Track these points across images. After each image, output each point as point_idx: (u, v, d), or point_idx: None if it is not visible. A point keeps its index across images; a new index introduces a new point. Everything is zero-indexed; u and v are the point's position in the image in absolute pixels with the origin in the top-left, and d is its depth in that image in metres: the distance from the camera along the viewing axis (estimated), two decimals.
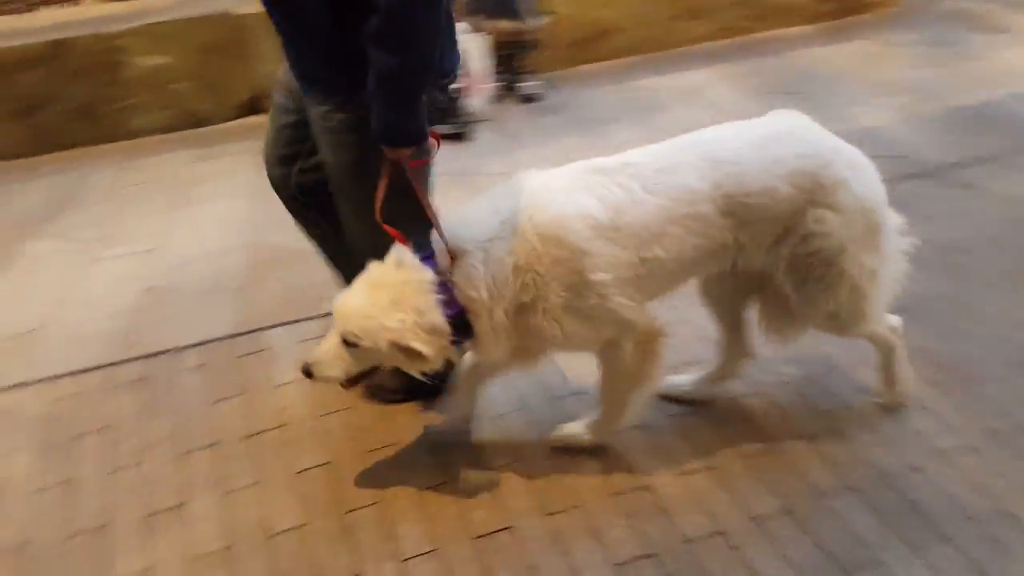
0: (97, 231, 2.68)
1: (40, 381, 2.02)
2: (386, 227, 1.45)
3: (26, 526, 1.63)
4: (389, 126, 1.42)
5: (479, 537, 1.52)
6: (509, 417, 1.82)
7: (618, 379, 1.61)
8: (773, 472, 1.62)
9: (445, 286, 1.41)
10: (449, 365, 1.54)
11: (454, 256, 1.43)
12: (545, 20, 3.39)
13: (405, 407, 1.85)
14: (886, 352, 1.73)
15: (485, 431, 1.78)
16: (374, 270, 1.44)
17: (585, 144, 2.92)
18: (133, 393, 1.95)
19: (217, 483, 1.69)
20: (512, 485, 1.64)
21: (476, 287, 1.42)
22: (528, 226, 1.43)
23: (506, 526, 1.54)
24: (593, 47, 3.73)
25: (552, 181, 1.50)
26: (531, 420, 1.81)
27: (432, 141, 1.51)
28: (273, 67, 3.30)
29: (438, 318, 1.40)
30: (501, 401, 1.85)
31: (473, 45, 3.13)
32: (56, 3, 3.38)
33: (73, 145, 3.22)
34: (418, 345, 1.38)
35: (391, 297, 1.39)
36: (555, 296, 1.44)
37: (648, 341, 1.57)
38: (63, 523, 1.62)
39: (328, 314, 1.50)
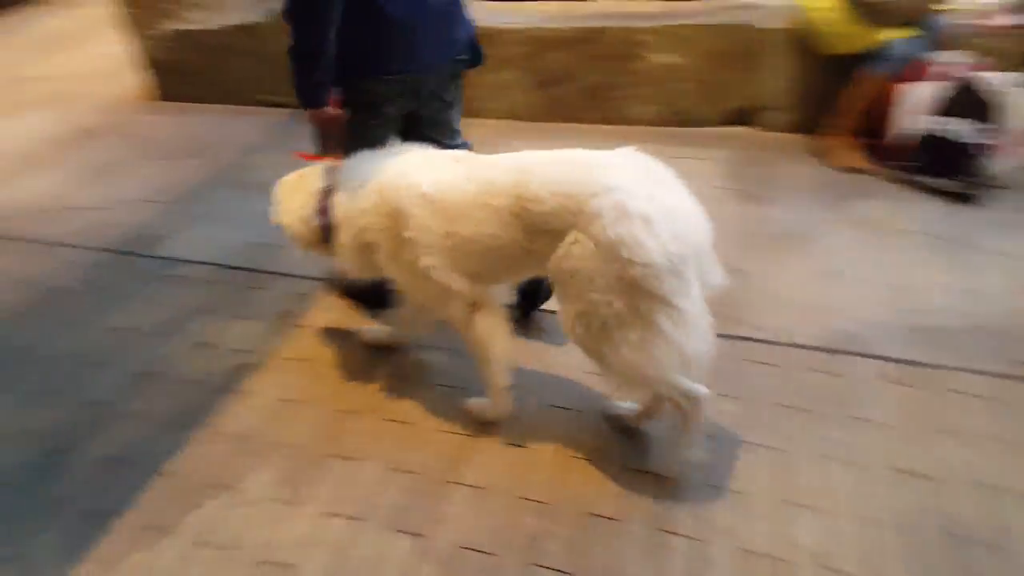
0: None
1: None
2: (304, 155, 1.99)
3: None
4: (295, 90, 1.86)
5: None
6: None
7: (471, 351, 1.95)
8: None
9: (325, 202, 1.89)
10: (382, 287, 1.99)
11: (337, 186, 1.88)
12: None
13: None
14: (671, 412, 1.80)
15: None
16: (295, 178, 2.00)
17: None
18: None
19: None
20: None
21: (337, 211, 1.87)
22: (378, 184, 1.81)
23: None
24: None
25: (417, 157, 1.84)
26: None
27: (328, 111, 1.88)
28: (774, 83, 3.29)
29: (310, 214, 1.91)
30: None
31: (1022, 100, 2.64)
32: None
33: (577, 120, 3.65)
34: (291, 225, 1.96)
35: (293, 194, 1.97)
36: (385, 243, 1.83)
37: (473, 313, 1.88)
38: None
39: None
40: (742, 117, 3.44)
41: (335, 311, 2.52)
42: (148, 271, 2.82)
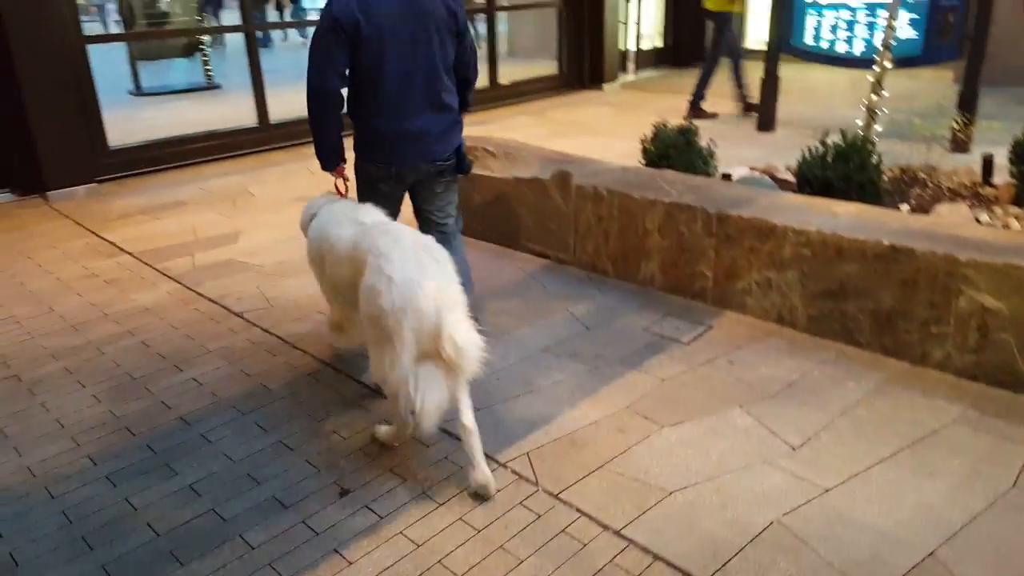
0: None
1: None
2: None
3: None
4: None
5: None
6: None
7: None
8: None
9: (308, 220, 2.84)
10: None
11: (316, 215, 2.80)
12: None
13: None
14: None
15: None
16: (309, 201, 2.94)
17: None
18: None
19: None
20: None
21: (310, 229, 2.80)
22: (321, 224, 2.71)
23: None
24: None
25: (353, 214, 2.65)
26: None
27: (338, 174, 2.94)
28: None
29: (304, 224, 2.86)
30: None
31: None
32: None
33: (857, 344, 3.07)
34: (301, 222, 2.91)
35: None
36: (319, 259, 2.72)
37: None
38: None
39: None
40: None
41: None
42: (346, 394, 2.84)
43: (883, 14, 5.94)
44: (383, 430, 2.53)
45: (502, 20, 15.67)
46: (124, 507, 2.27)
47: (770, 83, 6.84)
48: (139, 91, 10.12)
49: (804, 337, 3.19)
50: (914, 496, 2.24)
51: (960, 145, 5.46)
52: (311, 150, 2.91)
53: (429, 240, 2.41)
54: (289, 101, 5.82)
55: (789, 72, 7.12)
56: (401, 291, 2.18)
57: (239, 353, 3.16)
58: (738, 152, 6.02)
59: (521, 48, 12.17)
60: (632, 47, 10.90)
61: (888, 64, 4.67)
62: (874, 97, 4.73)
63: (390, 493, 2.29)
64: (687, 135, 4.58)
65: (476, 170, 4.34)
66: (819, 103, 7.74)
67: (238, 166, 6.25)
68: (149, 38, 10.84)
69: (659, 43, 11.50)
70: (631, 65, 10.78)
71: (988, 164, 4.58)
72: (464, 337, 2.20)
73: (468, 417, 2.28)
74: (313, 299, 3.61)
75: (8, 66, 5.18)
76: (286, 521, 2.18)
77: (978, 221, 4.16)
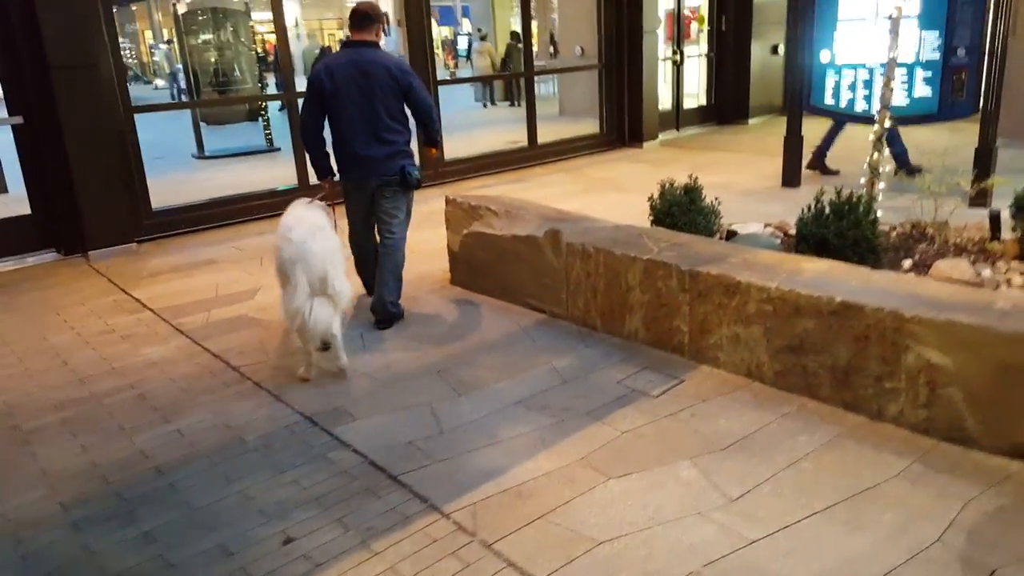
0: None
1: None
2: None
3: None
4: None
5: None
6: None
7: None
8: None
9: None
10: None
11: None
12: None
13: None
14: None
15: None
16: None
17: None
18: None
19: None
20: None
21: None
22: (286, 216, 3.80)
23: None
24: None
25: (303, 212, 3.80)
26: None
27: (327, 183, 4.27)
28: None
29: None
30: None
31: None
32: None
33: (819, 398, 3.11)
34: None
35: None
36: None
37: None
38: None
39: None
40: None
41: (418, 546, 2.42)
42: (315, 446, 3.02)
43: (898, 73, 6.01)
44: (300, 370, 3.60)
45: (551, 82, 16.34)
46: (80, 552, 2.47)
47: (793, 141, 6.92)
48: (202, 154, 10.95)
49: (770, 391, 3.26)
50: (836, 550, 2.28)
51: (978, 200, 5.40)
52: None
53: (323, 222, 3.72)
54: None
55: (822, 129, 7.17)
56: (297, 247, 3.39)
57: (226, 405, 3.41)
58: (759, 208, 6.11)
59: (571, 108, 12.57)
60: (675, 106, 11.12)
61: (887, 123, 4.72)
62: (875, 155, 4.76)
63: (332, 542, 2.45)
64: (691, 193, 4.73)
65: (479, 228, 4.62)
66: (847, 159, 7.74)
67: (274, 225, 6.69)
68: (192, 107, 11.67)
69: (703, 101, 11.69)
70: (674, 123, 10.99)
71: (995, 220, 4.54)
72: (339, 284, 3.49)
73: (341, 354, 3.62)
74: None
75: (57, 133, 5.67)
76: (227, 568, 2.36)
77: (980, 277, 4.13)
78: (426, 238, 5.44)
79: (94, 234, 5.90)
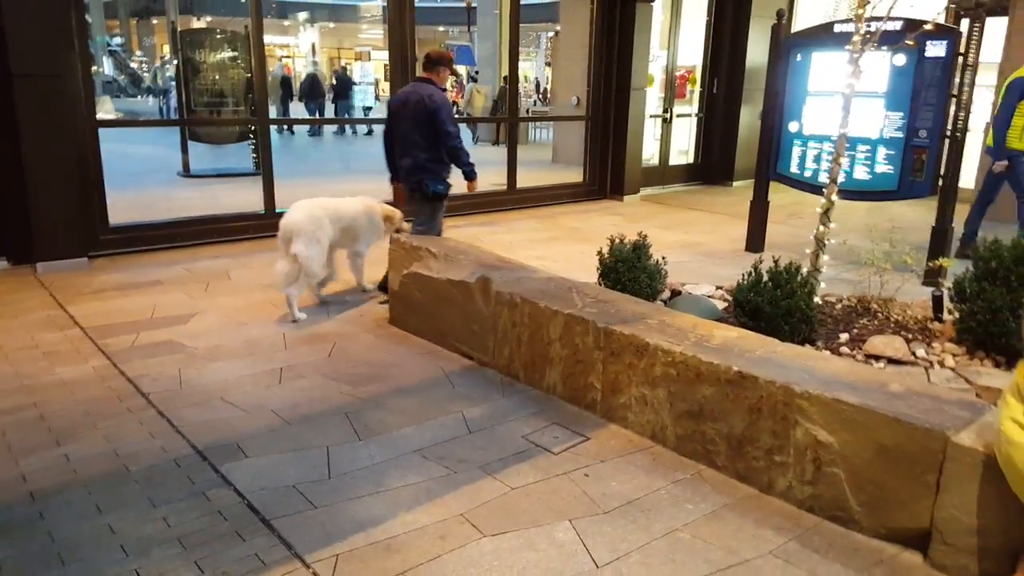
0: None
1: None
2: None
3: None
4: None
5: None
6: None
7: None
8: None
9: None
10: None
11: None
12: None
13: None
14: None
15: None
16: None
17: None
18: None
19: None
20: None
21: None
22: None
23: None
24: None
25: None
26: None
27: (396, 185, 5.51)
28: (958, 514, 2.36)
29: None
30: None
31: None
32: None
33: (715, 466, 3.06)
34: None
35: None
36: None
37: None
38: None
39: None
40: (912, 540, 2.49)
41: None
42: (197, 482, 2.95)
43: (862, 149, 6.07)
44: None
45: (546, 128, 16.54)
46: None
47: (759, 207, 6.95)
48: (187, 173, 11.01)
49: (671, 455, 3.20)
50: None
51: (930, 279, 5.40)
52: None
53: (338, 207, 5.10)
54: (297, 191, 6.19)
55: (795, 196, 7.21)
56: (284, 217, 4.84)
57: (122, 432, 3.34)
58: (716, 270, 6.12)
59: (564, 156, 12.71)
60: (661, 162, 11.24)
61: (835, 197, 4.74)
62: (821, 228, 4.77)
63: None
64: (638, 251, 4.74)
65: (418, 269, 4.62)
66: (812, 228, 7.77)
67: (233, 250, 6.71)
68: (159, 126, 11.68)
69: (691, 160, 11.81)
70: (660, 179, 11.08)
71: (938, 301, 4.52)
72: (297, 248, 4.74)
73: (292, 309, 4.92)
74: (225, 385, 3.86)
75: (14, 142, 5.58)
76: None
77: (914, 355, 4.10)
78: (374, 276, 5.45)
79: (45, 246, 5.85)
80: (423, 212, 5.28)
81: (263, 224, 7.09)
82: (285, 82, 20.12)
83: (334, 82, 21.47)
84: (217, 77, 10.05)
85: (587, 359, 3.60)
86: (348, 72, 22.75)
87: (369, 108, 21.73)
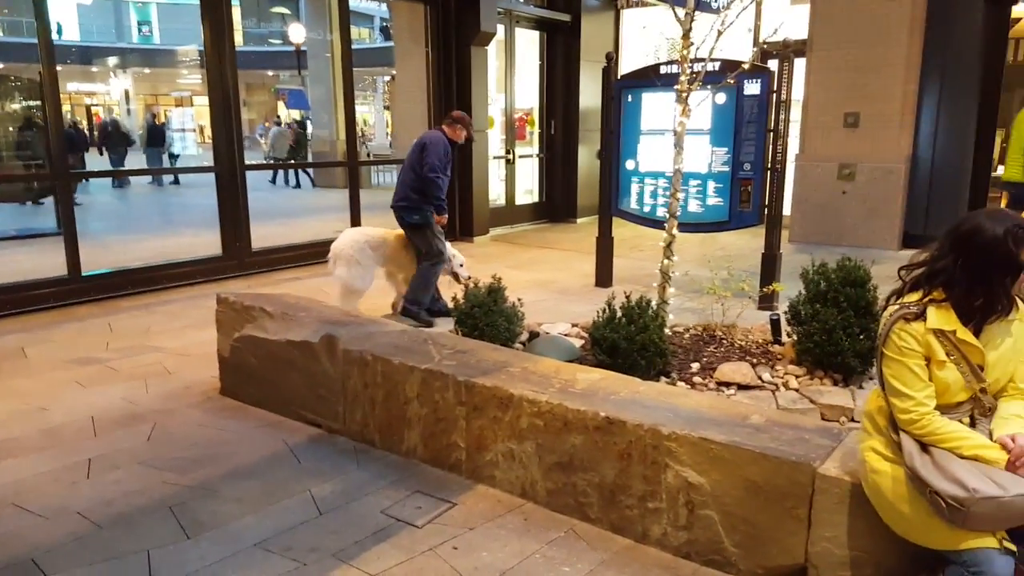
0: None
1: None
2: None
3: None
4: None
5: None
6: None
7: None
8: None
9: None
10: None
11: None
12: None
13: None
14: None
15: None
16: None
17: None
18: None
19: None
20: None
21: None
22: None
23: None
24: None
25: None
26: None
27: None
28: (831, 548, 2.33)
29: None
30: None
31: None
32: None
33: (588, 519, 2.90)
34: None
35: None
36: None
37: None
38: None
39: None
40: None
41: None
42: None
43: (693, 184, 6.36)
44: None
45: (389, 172, 16.28)
46: None
47: (604, 243, 7.08)
48: None
49: (543, 513, 3.01)
50: None
51: (764, 303, 5.67)
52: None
53: (372, 234, 5.75)
54: (109, 250, 5.60)
55: (636, 230, 7.39)
56: (334, 247, 5.54)
57: None
58: (571, 308, 6.08)
59: None
60: (507, 202, 11.32)
61: (675, 231, 4.87)
62: (665, 261, 4.87)
63: None
64: (494, 294, 4.58)
65: (252, 331, 4.18)
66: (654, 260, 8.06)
67: (31, 322, 5.83)
68: None
69: (536, 199, 12.00)
70: (508, 219, 11.14)
71: (775, 324, 4.71)
72: (334, 268, 5.54)
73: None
74: (18, 488, 3.24)
75: None
76: None
77: (760, 380, 4.21)
78: (200, 340, 4.90)
79: None
80: (420, 241, 5.70)
81: (68, 290, 6.26)
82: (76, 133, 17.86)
83: (140, 131, 19.57)
84: (11, 128, 8.95)
85: (449, 416, 3.35)
86: (159, 119, 21.00)
87: (176, 156, 19.39)
